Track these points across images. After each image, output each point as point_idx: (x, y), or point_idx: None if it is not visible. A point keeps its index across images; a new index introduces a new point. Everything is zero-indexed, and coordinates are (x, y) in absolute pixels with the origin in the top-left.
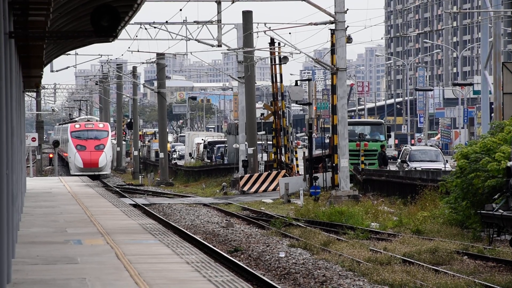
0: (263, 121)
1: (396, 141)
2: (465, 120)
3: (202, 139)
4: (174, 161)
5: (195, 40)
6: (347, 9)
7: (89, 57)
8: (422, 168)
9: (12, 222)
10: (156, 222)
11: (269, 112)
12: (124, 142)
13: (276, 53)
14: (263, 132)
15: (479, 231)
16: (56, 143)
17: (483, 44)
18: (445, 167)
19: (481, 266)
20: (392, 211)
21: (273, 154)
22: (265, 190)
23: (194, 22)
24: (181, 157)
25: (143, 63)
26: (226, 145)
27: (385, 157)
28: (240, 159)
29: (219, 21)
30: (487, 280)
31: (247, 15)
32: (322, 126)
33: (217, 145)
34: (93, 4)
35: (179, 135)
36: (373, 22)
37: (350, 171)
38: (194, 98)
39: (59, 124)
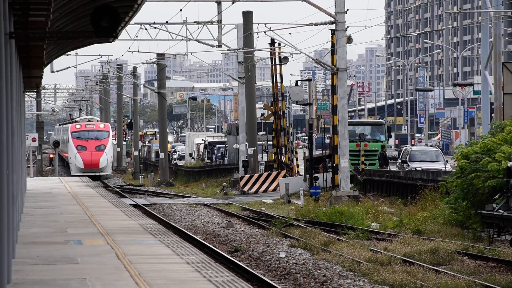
0: (263, 121)
1: (397, 142)
2: (466, 121)
3: (203, 140)
4: (174, 162)
5: (196, 40)
6: (347, 10)
7: (89, 57)
8: (422, 168)
9: (12, 222)
10: (156, 223)
11: (270, 112)
12: (124, 143)
13: (276, 54)
14: (264, 133)
15: (480, 231)
16: (56, 144)
17: (483, 44)
18: (445, 167)
19: (481, 266)
20: (393, 211)
21: (273, 155)
22: (265, 191)
23: (195, 22)
24: (182, 157)
25: (143, 63)
26: (227, 145)
27: (386, 157)
28: (240, 159)
29: (219, 21)
30: (487, 280)
31: (247, 16)
32: (323, 126)
33: (217, 146)
34: (93, 4)
35: (179, 135)
36: (374, 23)
37: (351, 171)
38: (194, 99)
39: (60, 125)
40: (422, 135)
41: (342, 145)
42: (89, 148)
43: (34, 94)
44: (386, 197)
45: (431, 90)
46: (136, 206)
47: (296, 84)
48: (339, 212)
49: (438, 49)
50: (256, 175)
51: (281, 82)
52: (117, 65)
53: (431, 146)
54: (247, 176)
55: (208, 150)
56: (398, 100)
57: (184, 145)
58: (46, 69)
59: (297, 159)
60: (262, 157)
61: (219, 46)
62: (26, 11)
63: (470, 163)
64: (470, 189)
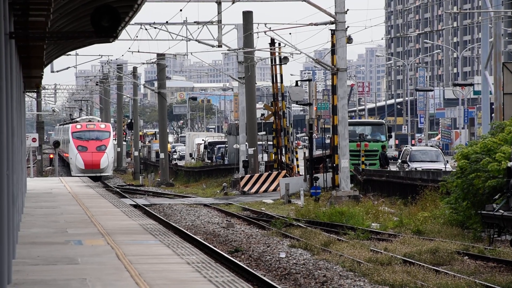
0: (263, 121)
1: (397, 142)
2: (466, 121)
3: (203, 140)
4: (174, 162)
5: (196, 40)
6: (348, 10)
7: (89, 57)
8: (422, 169)
9: (12, 223)
10: (156, 223)
11: (270, 112)
12: (124, 143)
13: (277, 54)
14: (264, 133)
15: (480, 231)
16: (56, 144)
17: (483, 44)
18: (445, 167)
19: (481, 266)
20: (393, 211)
21: (273, 155)
22: (265, 191)
23: (195, 22)
24: (182, 157)
25: (143, 63)
26: (227, 145)
27: (387, 157)
28: (240, 159)
29: (219, 21)
30: (487, 281)
31: (247, 16)
32: (323, 126)
33: (217, 146)
34: (93, 4)
35: (179, 135)
36: (374, 23)
37: (351, 171)
38: (194, 99)
39: (60, 125)
40: (422, 135)
41: (342, 145)
42: (89, 149)
43: (34, 94)
44: (386, 197)
45: (431, 90)
46: (136, 206)
47: (296, 84)
48: (339, 212)
49: (438, 49)
50: (256, 175)
51: (281, 82)
52: (117, 65)
53: (431, 146)
54: (247, 176)
55: (208, 150)
56: (398, 100)
57: (184, 145)
58: (46, 69)
59: (297, 159)
60: (262, 157)
61: (219, 46)
62: (26, 11)
63: (470, 163)
64: (470, 189)
